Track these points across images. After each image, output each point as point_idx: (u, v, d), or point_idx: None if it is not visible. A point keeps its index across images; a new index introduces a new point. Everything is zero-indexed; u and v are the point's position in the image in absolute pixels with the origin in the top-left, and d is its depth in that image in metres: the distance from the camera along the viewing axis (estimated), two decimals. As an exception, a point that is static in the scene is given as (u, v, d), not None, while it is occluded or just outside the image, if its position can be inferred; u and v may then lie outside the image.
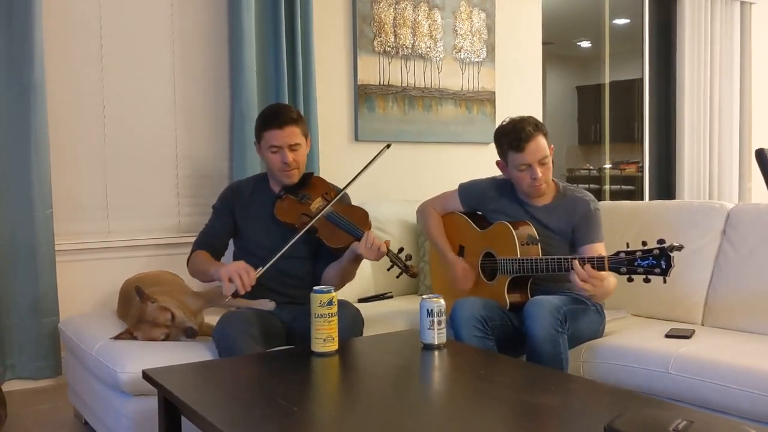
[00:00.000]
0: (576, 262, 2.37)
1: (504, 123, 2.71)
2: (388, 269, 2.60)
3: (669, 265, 2.22)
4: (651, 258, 2.24)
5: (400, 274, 2.55)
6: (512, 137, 2.61)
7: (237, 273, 2.38)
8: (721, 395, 2.20)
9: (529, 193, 2.70)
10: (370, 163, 2.61)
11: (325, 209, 2.56)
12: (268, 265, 2.47)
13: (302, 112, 3.70)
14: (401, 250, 2.57)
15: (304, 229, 2.52)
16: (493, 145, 2.79)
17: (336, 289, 2.19)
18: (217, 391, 1.93)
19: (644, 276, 2.26)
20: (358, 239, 2.50)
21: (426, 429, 1.64)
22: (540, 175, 2.62)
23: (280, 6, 3.62)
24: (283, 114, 2.63)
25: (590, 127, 8.51)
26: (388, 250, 2.50)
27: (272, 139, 2.60)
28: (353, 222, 2.56)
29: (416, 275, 2.57)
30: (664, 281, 2.24)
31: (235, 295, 2.39)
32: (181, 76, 3.57)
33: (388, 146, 2.64)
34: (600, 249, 2.62)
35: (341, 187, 2.71)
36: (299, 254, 2.65)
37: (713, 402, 2.22)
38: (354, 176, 2.60)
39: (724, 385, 2.19)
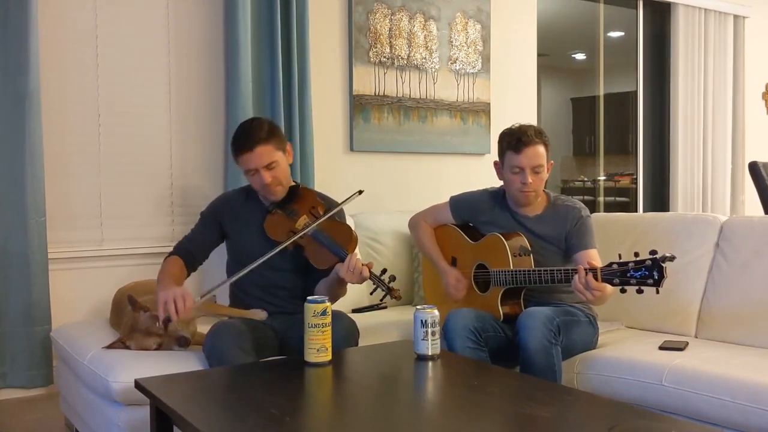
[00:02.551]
0: (581, 268, 2.36)
1: (511, 126, 2.74)
2: (371, 293, 2.51)
3: (661, 276, 2.22)
4: (643, 269, 2.24)
5: (384, 296, 2.46)
6: (514, 138, 2.65)
7: (173, 299, 2.28)
8: (714, 407, 2.20)
9: (516, 198, 2.71)
10: (341, 204, 2.61)
11: (307, 230, 2.51)
12: (211, 291, 2.43)
13: (297, 122, 3.71)
14: (384, 271, 2.48)
15: (272, 252, 2.45)
16: (488, 156, 2.81)
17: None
18: (209, 400, 1.93)
19: (637, 287, 2.27)
20: (342, 259, 2.43)
21: (419, 440, 1.63)
22: (530, 182, 2.63)
23: (276, 16, 3.63)
24: (251, 135, 2.52)
25: (585, 139, 8.56)
26: (371, 273, 2.42)
27: (246, 164, 2.53)
28: (337, 241, 2.49)
29: (400, 298, 2.49)
30: (657, 292, 2.24)
31: (167, 321, 2.32)
32: (176, 86, 3.57)
33: (360, 192, 2.60)
34: (594, 255, 2.63)
35: (332, 198, 2.71)
36: (287, 267, 2.63)
37: (706, 414, 2.22)
38: (322, 217, 2.54)
39: (717, 398, 2.20)
